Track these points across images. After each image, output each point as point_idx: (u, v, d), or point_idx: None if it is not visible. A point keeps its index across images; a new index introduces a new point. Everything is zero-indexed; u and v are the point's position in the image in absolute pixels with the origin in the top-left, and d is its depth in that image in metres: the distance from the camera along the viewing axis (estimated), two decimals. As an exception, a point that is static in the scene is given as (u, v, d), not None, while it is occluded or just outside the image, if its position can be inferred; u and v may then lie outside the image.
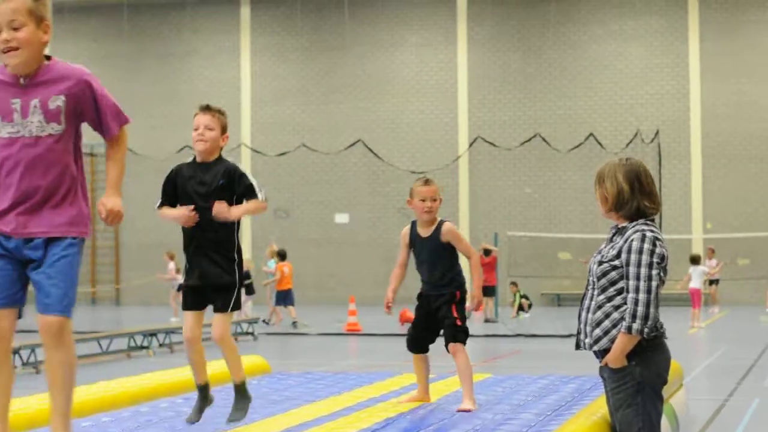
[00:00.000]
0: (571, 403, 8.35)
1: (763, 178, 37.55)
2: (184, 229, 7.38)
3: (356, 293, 28.66)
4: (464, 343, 8.77)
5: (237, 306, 7.33)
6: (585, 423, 6.53)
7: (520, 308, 31.16)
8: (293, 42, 41.12)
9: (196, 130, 7.39)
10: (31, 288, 5.56)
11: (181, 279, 28.52)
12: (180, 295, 28.08)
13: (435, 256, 8.71)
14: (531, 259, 37.57)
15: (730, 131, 37.77)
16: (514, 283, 31.62)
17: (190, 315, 7.32)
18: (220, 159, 7.48)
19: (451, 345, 8.73)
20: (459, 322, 8.76)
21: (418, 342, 8.93)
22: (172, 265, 30.23)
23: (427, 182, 8.74)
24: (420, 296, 8.87)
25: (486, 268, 28.57)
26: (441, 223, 8.72)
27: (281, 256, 28.17)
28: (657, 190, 5.92)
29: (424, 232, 8.71)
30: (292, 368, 12.48)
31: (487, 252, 29.08)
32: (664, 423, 6.85)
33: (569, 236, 37.19)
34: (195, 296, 7.34)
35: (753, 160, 37.64)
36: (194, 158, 7.51)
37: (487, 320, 28.35)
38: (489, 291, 28.60)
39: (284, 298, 27.39)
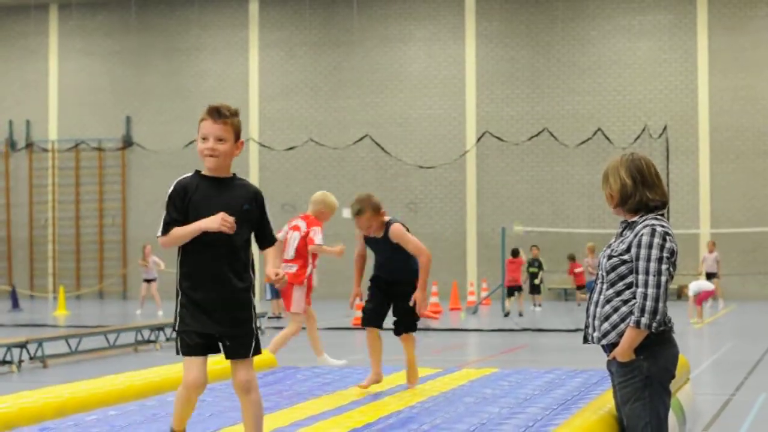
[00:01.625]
0: (577, 397, 8.34)
1: (771, 174, 37.50)
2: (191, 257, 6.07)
3: (364, 288, 28.65)
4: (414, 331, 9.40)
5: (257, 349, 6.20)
6: (591, 417, 6.53)
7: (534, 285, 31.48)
8: (301, 37, 41.12)
9: (204, 140, 6.08)
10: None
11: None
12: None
13: (389, 254, 9.28)
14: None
15: (738, 127, 37.71)
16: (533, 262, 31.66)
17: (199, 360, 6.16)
18: (236, 177, 6.24)
19: (404, 335, 9.32)
20: (414, 313, 9.24)
21: (377, 315, 9.39)
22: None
23: (355, 214, 9.15)
24: (376, 278, 9.44)
25: (513, 267, 29.35)
26: (389, 225, 9.16)
27: None
28: (662, 183, 5.94)
29: (377, 233, 9.27)
30: (299, 362, 12.48)
31: (515, 253, 29.90)
32: (671, 417, 6.85)
33: (577, 231, 37.17)
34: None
35: (761, 155, 37.58)
36: (199, 172, 6.18)
37: (519, 314, 28.71)
38: (515, 289, 29.50)
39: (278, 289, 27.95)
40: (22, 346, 16.71)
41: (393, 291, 9.36)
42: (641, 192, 5.83)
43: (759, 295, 36.59)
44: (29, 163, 42.61)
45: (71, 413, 7.73)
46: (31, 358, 16.95)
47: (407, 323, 9.29)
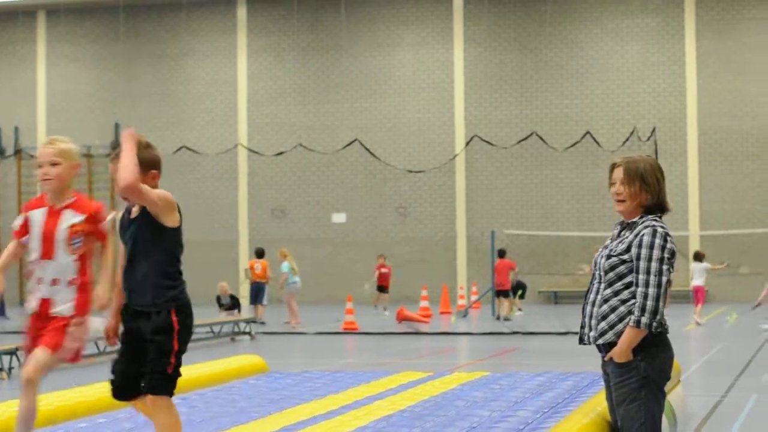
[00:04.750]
0: (568, 400, 8.34)
1: (759, 175, 37.56)
2: None
3: (353, 292, 28.64)
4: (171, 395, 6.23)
5: None
6: (582, 420, 6.52)
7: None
8: (290, 42, 41.10)
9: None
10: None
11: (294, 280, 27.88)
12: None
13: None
14: (528, 257, 37.56)
15: (727, 129, 37.80)
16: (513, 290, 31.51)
17: None
18: None
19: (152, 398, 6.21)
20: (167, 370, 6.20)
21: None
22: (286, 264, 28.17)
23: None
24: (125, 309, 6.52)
25: (499, 269, 28.86)
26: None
27: (258, 254, 28.50)
28: None
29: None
30: (289, 367, 12.47)
31: (501, 253, 29.43)
32: (662, 419, 6.86)
33: (566, 234, 37.20)
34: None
35: (749, 157, 37.67)
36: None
37: (506, 318, 28.27)
38: (501, 294, 28.89)
39: (256, 294, 27.75)
40: (13, 353, 16.65)
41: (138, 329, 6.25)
42: (665, 195, 5.98)
43: (748, 296, 36.62)
44: (18, 170, 42.50)
45: (61, 421, 7.71)
46: (21, 366, 16.89)
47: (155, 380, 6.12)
